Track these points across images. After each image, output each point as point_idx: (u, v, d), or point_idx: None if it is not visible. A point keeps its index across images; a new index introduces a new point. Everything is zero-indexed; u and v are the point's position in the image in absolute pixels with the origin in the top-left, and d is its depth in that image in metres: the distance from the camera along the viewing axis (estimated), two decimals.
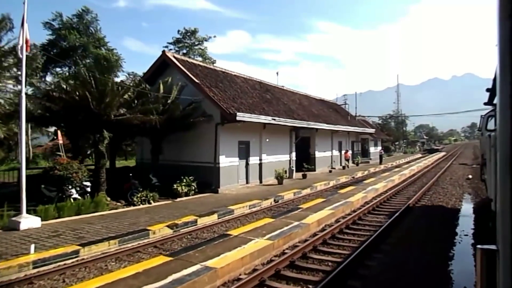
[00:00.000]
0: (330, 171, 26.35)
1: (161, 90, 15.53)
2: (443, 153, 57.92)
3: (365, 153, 38.38)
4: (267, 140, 20.60)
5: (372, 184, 17.62)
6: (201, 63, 19.54)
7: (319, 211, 11.10)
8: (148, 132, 15.65)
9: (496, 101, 2.06)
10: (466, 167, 31.31)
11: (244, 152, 18.84)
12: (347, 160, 30.21)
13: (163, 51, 17.79)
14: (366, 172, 27.32)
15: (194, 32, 48.99)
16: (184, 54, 43.73)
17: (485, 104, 9.16)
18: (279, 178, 19.63)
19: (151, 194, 13.82)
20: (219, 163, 16.74)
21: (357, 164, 33.00)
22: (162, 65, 18.05)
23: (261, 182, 19.98)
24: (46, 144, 36.27)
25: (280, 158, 22.13)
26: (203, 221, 11.06)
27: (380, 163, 34.53)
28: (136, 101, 15.51)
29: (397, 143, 77.51)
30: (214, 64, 42.28)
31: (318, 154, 27.09)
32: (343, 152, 31.29)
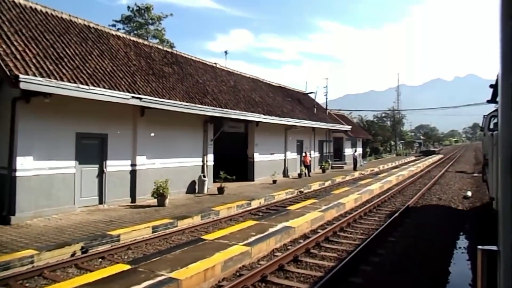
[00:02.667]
0: (274, 182, 18.86)
1: None
2: (439, 156, 50.38)
3: (339, 155, 30.82)
4: (152, 134, 13.15)
5: (299, 214, 10.12)
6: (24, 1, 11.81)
7: None
8: None
9: (498, 100, 1.42)
10: (464, 177, 23.75)
11: (94, 152, 11.40)
12: (307, 166, 22.67)
13: None
14: (327, 184, 19.85)
15: (147, 9, 41.43)
16: (136, 35, 36.24)
17: (488, 102, 9.17)
18: (158, 197, 12.14)
19: None
20: (15, 170, 9.29)
21: (324, 171, 25.44)
22: None
23: (134, 201, 12.53)
24: None
25: (183, 163, 14.71)
26: None
27: (355, 169, 26.97)
28: None
29: (393, 143, 70.08)
30: (174, 48, 34.70)
31: (259, 157, 19.58)
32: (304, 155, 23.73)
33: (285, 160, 22.26)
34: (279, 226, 8.69)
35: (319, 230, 9.23)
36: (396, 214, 10.65)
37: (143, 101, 11.18)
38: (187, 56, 18.45)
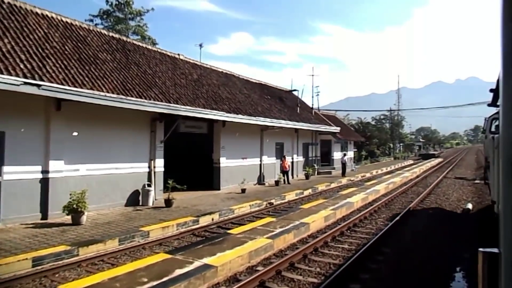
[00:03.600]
0: (243, 191, 16.21)
1: None
2: (439, 160, 47.69)
3: (328, 160, 28.13)
4: (75, 133, 10.60)
5: (238, 242, 7.51)
6: None
7: None
8: None
9: (499, 103, 1.49)
10: (464, 184, 21.08)
11: None
12: (286, 172, 20.01)
13: None
14: (306, 193, 17.25)
15: (127, 3, 38.92)
16: (115, 31, 33.82)
17: (489, 105, 8.85)
18: (71, 213, 9.55)
19: None
20: None
21: (308, 177, 22.77)
22: None
23: (45, 217, 9.95)
24: None
25: (121, 169, 12.17)
26: None
27: (343, 174, 24.30)
28: None
29: (392, 146, 67.48)
30: (157, 46, 32.44)
31: (227, 162, 16.96)
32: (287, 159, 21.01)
33: (261, 165, 19.64)
34: (196, 264, 6.06)
35: (258, 268, 6.61)
36: (372, 241, 8.05)
37: (44, 89, 8.59)
38: (141, 44, 15.93)
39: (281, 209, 13.63)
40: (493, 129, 10.07)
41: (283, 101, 23.69)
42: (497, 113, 8.68)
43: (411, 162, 46.61)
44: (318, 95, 38.51)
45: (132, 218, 10.72)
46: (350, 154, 32.15)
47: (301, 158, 24.13)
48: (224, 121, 16.03)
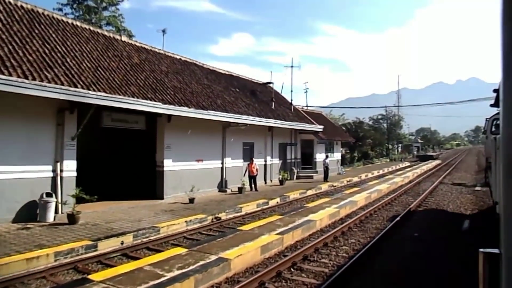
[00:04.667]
0: (191, 201, 13.21)
1: None
2: (437, 162, 44.70)
3: (310, 162, 25.07)
4: None
5: None
6: None
7: None
8: None
9: (500, 103, 1.40)
10: (463, 192, 18.07)
11: None
12: (253, 177, 16.97)
13: None
14: (272, 203, 14.35)
15: None
16: (86, 21, 30.93)
17: (492, 106, 8.83)
18: None
19: None
20: None
21: (282, 182, 19.72)
22: None
23: None
24: None
25: (5, 174, 9.22)
26: None
27: (325, 179, 21.24)
28: None
29: (390, 147, 64.65)
30: (133, 38, 29.41)
31: (174, 165, 13.95)
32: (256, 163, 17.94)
33: (222, 169, 16.61)
34: None
35: None
36: None
37: None
38: (64, 19, 12.93)
39: (230, 226, 10.72)
40: (493, 129, 9.91)
41: (256, 95, 20.67)
42: (498, 113, 8.22)
43: (407, 164, 43.64)
44: (306, 91, 35.56)
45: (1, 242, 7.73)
46: (337, 155, 29.13)
47: (276, 161, 21.11)
48: (169, 115, 13.06)
